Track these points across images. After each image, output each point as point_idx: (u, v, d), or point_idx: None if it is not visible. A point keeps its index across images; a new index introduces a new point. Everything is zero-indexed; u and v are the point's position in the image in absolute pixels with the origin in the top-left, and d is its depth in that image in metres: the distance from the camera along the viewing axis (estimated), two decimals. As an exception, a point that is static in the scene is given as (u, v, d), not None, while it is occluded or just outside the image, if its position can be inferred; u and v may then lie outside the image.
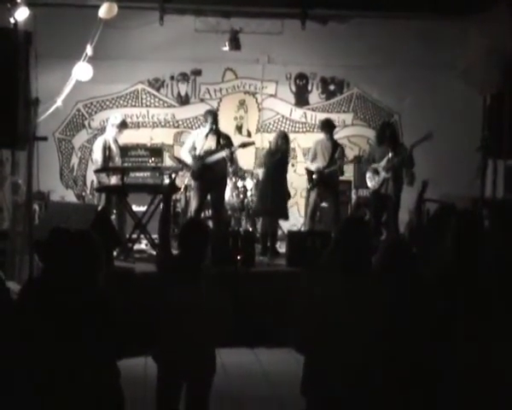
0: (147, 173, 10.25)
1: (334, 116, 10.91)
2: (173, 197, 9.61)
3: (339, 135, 10.54)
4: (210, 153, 9.12)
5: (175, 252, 4.76)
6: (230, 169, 9.64)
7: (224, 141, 9.22)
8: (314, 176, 9.61)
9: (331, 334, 3.58)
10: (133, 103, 11.03)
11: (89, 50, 8.76)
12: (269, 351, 7.49)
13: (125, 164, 9.91)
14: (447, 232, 3.94)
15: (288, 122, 11.44)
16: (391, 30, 10.18)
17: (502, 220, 5.99)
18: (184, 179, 9.94)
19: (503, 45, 7.89)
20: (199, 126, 10.52)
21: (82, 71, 8.98)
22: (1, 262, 7.58)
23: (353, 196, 10.69)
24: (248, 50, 10.36)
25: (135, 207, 9.22)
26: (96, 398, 3.55)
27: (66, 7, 9.30)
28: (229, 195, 9.96)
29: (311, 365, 3.74)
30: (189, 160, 9.24)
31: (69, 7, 9.31)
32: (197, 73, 11.14)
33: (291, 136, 10.21)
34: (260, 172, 9.74)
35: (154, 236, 8.54)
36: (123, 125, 9.32)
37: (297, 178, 11.02)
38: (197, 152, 9.15)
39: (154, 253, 8.63)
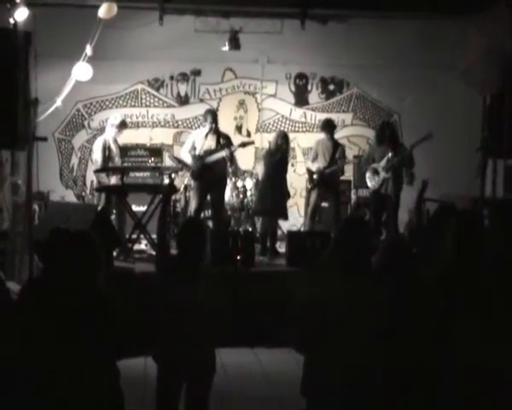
0: (146, 173, 10.25)
1: (333, 116, 10.90)
2: (173, 197, 9.61)
3: (338, 135, 10.53)
4: (210, 153, 9.12)
5: (174, 252, 4.76)
6: (230, 169, 9.64)
7: (223, 141, 9.22)
8: (315, 176, 9.61)
9: (331, 334, 3.58)
10: (133, 103, 11.03)
11: (88, 50, 8.76)
12: (269, 351, 7.49)
13: (125, 164, 9.90)
14: (447, 232, 3.94)
15: (287, 122, 11.43)
16: (390, 30, 10.17)
17: (502, 220, 6.00)
18: (184, 179, 9.94)
19: (503, 45, 7.89)
20: (198, 126, 10.52)
21: (81, 71, 8.98)
22: (1, 262, 7.59)
23: (353, 196, 10.69)
24: (248, 50, 10.36)
25: (134, 208, 9.22)
26: (95, 398, 3.55)
27: (65, 7, 9.28)
28: (228, 195, 9.96)
29: (311, 365, 3.74)
30: (188, 160, 9.25)
31: (69, 7, 9.29)
32: (197, 73, 11.14)
33: (291, 136, 10.21)
34: (260, 171, 9.74)
35: (154, 236, 8.55)
36: (122, 126, 9.32)
37: (297, 178, 11.02)
38: (197, 152, 9.16)
39: (154, 253, 8.63)
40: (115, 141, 9.27)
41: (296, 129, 11.43)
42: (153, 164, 10.36)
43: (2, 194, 8.38)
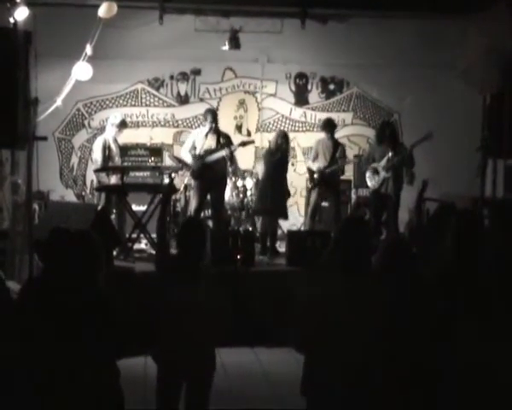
0: (146, 173, 10.25)
1: (333, 115, 10.90)
2: (173, 197, 9.61)
3: (338, 134, 10.52)
4: (210, 152, 9.12)
5: (174, 251, 4.76)
6: (230, 169, 9.64)
7: (223, 140, 9.22)
8: (315, 175, 9.61)
9: (331, 334, 3.58)
10: (133, 103, 11.03)
11: (88, 50, 8.76)
12: (269, 351, 7.49)
13: (125, 163, 9.91)
14: (447, 232, 3.94)
15: (287, 121, 11.43)
16: (390, 29, 10.17)
17: (502, 220, 5.99)
18: (184, 179, 9.94)
19: (503, 45, 7.88)
20: (198, 126, 10.52)
21: (82, 70, 8.98)
22: (1, 262, 7.59)
23: (353, 196, 10.69)
24: (248, 50, 10.36)
25: (134, 207, 9.22)
26: (95, 398, 3.55)
27: (65, 6, 9.28)
28: (228, 194, 9.96)
29: (311, 364, 3.74)
30: (189, 159, 9.24)
31: (69, 6, 9.29)
32: (197, 72, 11.13)
33: (291, 135, 10.20)
34: (260, 170, 9.74)
35: (154, 235, 8.54)
36: (122, 125, 9.33)
37: (297, 178, 11.03)
38: (197, 151, 9.16)
39: (154, 252, 8.62)
40: (115, 140, 9.27)
41: (296, 128, 11.43)
42: (153, 163, 10.36)
43: (3, 193, 8.37)
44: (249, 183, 10.19)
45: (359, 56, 10.59)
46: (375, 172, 9.12)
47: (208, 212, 9.66)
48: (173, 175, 9.18)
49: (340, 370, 3.56)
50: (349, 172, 10.51)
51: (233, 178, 10.04)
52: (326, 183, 9.57)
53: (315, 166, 9.62)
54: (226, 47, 10.07)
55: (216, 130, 9.22)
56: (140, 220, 8.68)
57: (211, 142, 9.17)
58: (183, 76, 11.14)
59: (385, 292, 3.64)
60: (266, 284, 7.94)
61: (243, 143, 9.44)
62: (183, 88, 11.16)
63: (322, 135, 9.89)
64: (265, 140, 10.48)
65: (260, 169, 9.75)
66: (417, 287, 3.73)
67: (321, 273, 3.85)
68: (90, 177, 10.49)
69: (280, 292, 7.50)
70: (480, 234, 3.97)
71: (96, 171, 9.18)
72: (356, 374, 3.54)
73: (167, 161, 10.43)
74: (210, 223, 9.41)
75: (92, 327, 3.53)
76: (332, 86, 11.49)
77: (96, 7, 8.62)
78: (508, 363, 3.52)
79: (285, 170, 9.36)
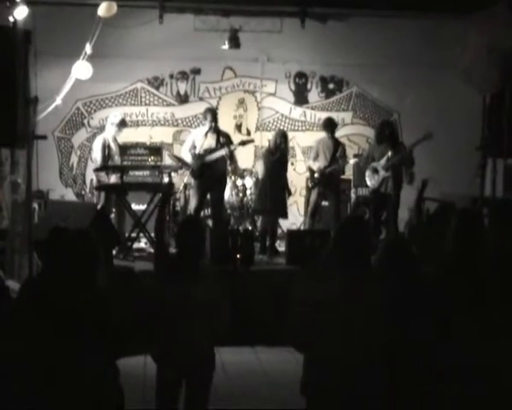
0: (146, 172, 10.24)
1: (333, 115, 10.89)
2: (173, 196, 9.61)
3: (338, 133, 10.49)
4: (209, 151, 9.12)
5: (173, 251, 4.76)
6: (230, 168, 9.63)
7: (223, 139, 9.21)
8: (315, 175, 9.61)
9: (331, 333, 3.58)
10: (132, 102, 11.03)
11: (88, 49, 8.77)
12: (269, 350, 7.48)
13: (125, 163, 9.91)
14: (447, 231, 3.94)
15: (287, 121, 11.44)
16: (390, 28, 10.17)
17: (501, 219, 6.00)
18: (184, 178, 9.94)
19: (503, 44, 7.87)
20: (198, 125, 10.53)
21: (81, 69, 8.99)
22: (0, 261, 7.59)
23: (352, 195, 10.68)
24: (248, 49, 10.36)
25: (134, 206, 9.23)
26: (95, 398, 3.54)
27: (65, 5, 9.29)
28: (228, 193, 9.96)
29: (310, 364, 3.73)
30: (188, 158, 9.24)
31: (68, 5, 9.30)
32: (196, 71, 11.14)
33: (290, 134, 10.20)
34: (260, 169, 9.74)
35: (153, 234, 8.54)
36: (122, 124, 9.33)
37: (296, 177, 11.04)
38: (197, 151, 9.15)
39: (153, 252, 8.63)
40: (115, 139, 9.28)
41: (296, 128, 11.43)
42: (152, 163, 10.36)
43: (2, 192, 8.37)
44: (249, 182, 10.19)
45: (359, 56, 10.60)
46: (375, 171, 9.12)
47: (208, 211, 9.66)
48: (172, 174, 9.19)
49: (339, 370, 3.56)
50: (349, 172, 10.51)
51: (233, 178, 10.04)
52: (326, 182, 9.56)
53: (315, 166, 9.62)
54: (226, 46, 10.08)
55: (216, 129, 9.21)
56: (139, 219, 8.68)
57: (210, 141, 9.17)
58: (183, 75, 11.14)
59: (385, 292, 3.63)
60: (266, 283, 7.93)
61: (243, 143, 9.43)
62: (182, 87, 11.16)
63: (321, 134, 9.89)
64: (265, 139, 10.47)
65: (260, 168, 9.74)
66: (417, 286, 3.73)
67: (320, 272, 3.85)
68: (90, 176, 10.49)
69: (280, 291, 7.49)
70: (479, 233, 3.96)
71: (96, 170, 9.18)
72: (356, 374, 3.53)
73: (167, 160, 10.43)
74: (210, 222, 9.41)
75: (91, 326, 3.53)
76: (331, 85, 11.49)
77: (96, 6, 8.63)
78: (509, 361, 3.52)
79: (285, 169, 9.36)
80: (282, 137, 9.23)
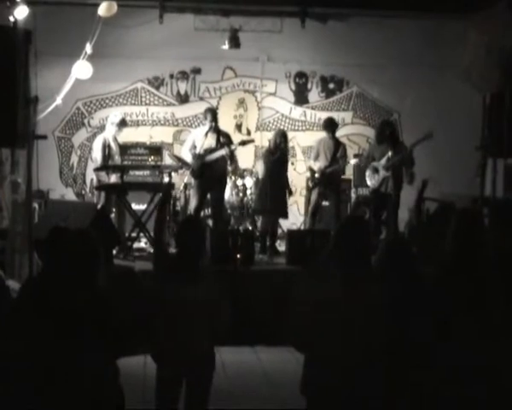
0: (146, 172, 10.24)
1: (333, 114, 10.88)
2: (173, 196, 9.61)
3: (338, 133, 10.49)
4: (210, 151, 9.12)
5: (174, 250, 4.75)
6: (230, 168, 9.63)
7: (223, 139, 9.21)
8: (316, 175, 9.61)
9: (331, 333, 3.58)
10: (133, 102, 11.03)
11: (88, 49, 8.77)
12: (269, 349, 7.48)
13: (125, 162, 9.91)
14: (447, 231, 3.94)
15: (287, 121, 11.44)
16: (390, 28, 10.17)
17: (501, 219, 6.00)
18: (184, 178, 9.94)
19: (503, 44, 7.88)
20: (198, 125, 10.53)
21: (81, 69, 8.99)
22: (0, 261, 7.59)
23: (353, 195, 10.69)
24: (248, 49, 10.36)
25: (134, 206, 9.22)
26: (95, 398, 3.54)
27: (65, 5, 9.29)
28: (228, 193, 9.96)
29: (310, 364, 3.73)
30: (189, 158, 9.24)
31: (69, 5, 9.31)
32: (197, 71, 11.14)
33: (291, 134, 10.20)
34: (260, 169, 9.74)
35: (154, 234, 8.55)
36: (122, 124, 9.32)
37: (296, 177, 11.04)
38: (197, 150, 9.15)
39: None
40: (115, 139, 9.28)
41: (296, 128, 11.43)
42: (152, 162, 10.37)
43: (2, 192, 8.37)
44: (249, 182, 10.19)
45: (359, 56, 10.60)
46: (375, 171, 9.11)
47: (208, 211, 9.66)
48: (172, 174, 9.18)
49: (339, 369, 3.56)
50: (349, 171, 10.51)
51: (233, 177, 10.04)
52: (327, 182, 9.56)
53: (316, 166, 9.62)
54: (226, 46, 10.08)
55: (216, 129, 9.21)
56: (140, 219, 8.68)
57: (211, 141, 9.17)
58: (183, 75, 11.14)
59: (385, 291, 3.63)
60: (266, 284, 7.93)
61: (243, 143, 9.43)
62: (182, 87, 11.16)
63: (322, 134, 9.89)
64: (265, 139, 10.48)
65: (260, 168, 9.75)
66: (417, 286, 3.73)
67: (320, 272, 3.85)
68: (90, 176, 10.49)
69: (280, 291, 7.49)
70: (479, 233, 3.96)
71: (96, 170, 9.17)
72: (356, 374, 3.53)
73: (167, 160, 10.43)
74: (210, 222, 9.41)
75: (92, 326, 3.53)
76: (332, 85, 11.49)
77: (96, 5, 8.63)
78: (509, 362, 3.53)
79: (285, 169, 9.36)
80: (282, 137, 9.23)
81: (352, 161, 10.21)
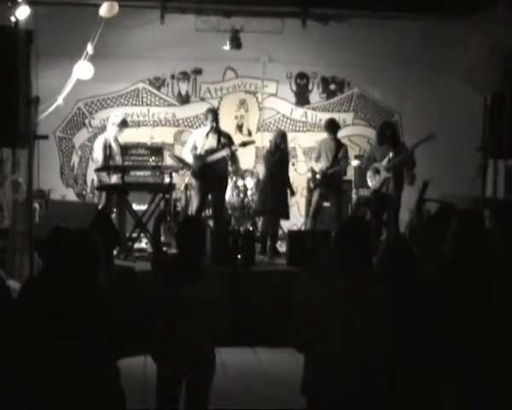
0: (147, 172, 10.25)
1: (334, 115, 10.90)
2: (174, 196, 9.61)
3: (339, 134, 10.52)
4: (211, 152, 9.11)
5: (175, 251, 4.76)
6: (231, 168, 9.63)
7: (224, 140, 9.21)
8: (317, 176, 9.61)
9: (331, 333, 3.58)
10: (134, 102, 11.04)
11: (89, 49, 8.77)
12: (269, 350, 7.48)
13: (126, 163, 9.92)
14: (448, 232, 3.94)
15: (288, 121, 11.44)
16: (391, 29, 10.17)
17: (502, 220, 5.99)
18: (185, 178, 9.94)
19: (504, 45, 7.88)
20: (199, 125, 10.54)
21: (83, 69, 8.99)
22: (1, 260, 7.59)
23: (354, 196, 10.69)
24: (249, 49, 10.37)
25: (135, 206, 9.23)
26: (96, 398, 3.54)
27: (66, 5, 9.29)
28: (229, 194, 9.96)
29: (311, 364, 3.74)
30: (190, 159, 9.24)
31: (70, 5, 9.31)
32: (198, 72, 11.15)
33: (291, 135, 10.21)
34: (261, 170, 9.74)
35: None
36: (123, 124, 9.33)
37: (297, 177, 11.04)
38: (198, 151, 9.15)
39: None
40: (116, 140, 9.28)
41: (297, 128, 11.44)
42: (153, 163, 10.37)
43: (3, 192, 8.38)
44: (250, 183, 10.19)
45: (360, 57, 10.60)
46: (376, 172, 9.11)
47: (209, 211, 9.66)
48: (173, 175, 9.19)
49: (340, 369, 3.56)
50: (350, 172, 10.51)
51: (234, 178, 10.04)
52: (328, 183, 9.56)
53: (317, 167, 9.62)
54: (227, 47, 10.09)
55: (217, 129, 9.21)
56: (140, 220, 8.68)
57: (212, 141, 9.17)
58: (184, 75, 11.15)
59: (386, 292, 3.63)
60: (266, 284, 7.93)
61: (244, 143, 9.43)
62: (183, 87, 11.17)
63: (323, 135, 9.89)
64: (266, 140, 10.49)
65: (261, 169, 9.75)
66: (418, 287, 3.73)
67: (321, 273, 3.85)
68: (91, 176, 10.50)
69: (280, 292, 7.49)
70: (480, 234, 3.96)
71: (97, 170, 9.18)
72: (356, 374, 3.53)
73: (168, 161, 10.44)
74: (210, 223, 9.41)
75: (92, 326, 3.52)
76: (333, 86, 11.50)
77: (98, 6, 8.63)
78: (509, 363, 3.52)
79: (286, 169, 9.36)
80: (282, 138, 9.24)
81: (353, 163, 10.20)
